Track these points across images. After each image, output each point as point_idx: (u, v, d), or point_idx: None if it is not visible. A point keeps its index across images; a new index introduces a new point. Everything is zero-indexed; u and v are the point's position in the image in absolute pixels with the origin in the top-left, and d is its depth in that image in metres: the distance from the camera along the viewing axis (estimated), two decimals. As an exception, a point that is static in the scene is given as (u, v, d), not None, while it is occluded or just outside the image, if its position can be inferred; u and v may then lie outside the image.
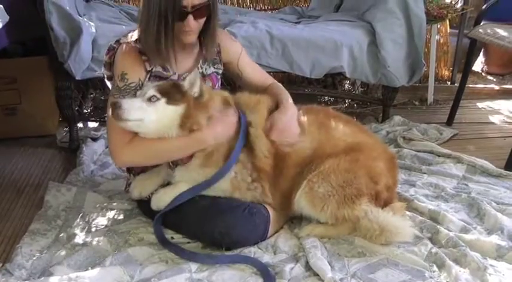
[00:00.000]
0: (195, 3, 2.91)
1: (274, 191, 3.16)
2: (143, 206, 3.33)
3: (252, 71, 3.50)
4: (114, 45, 3.14)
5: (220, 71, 3.42)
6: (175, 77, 3.16)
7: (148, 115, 2.92)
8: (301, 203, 3.13)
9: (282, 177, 3.15)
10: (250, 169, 3.11)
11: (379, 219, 3.01)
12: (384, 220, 3.02)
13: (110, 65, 3.16)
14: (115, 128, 3.01)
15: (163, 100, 2.92)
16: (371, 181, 3.15)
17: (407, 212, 3.37)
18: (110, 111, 2.92)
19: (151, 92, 2.94)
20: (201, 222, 3.04)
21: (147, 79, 3.08)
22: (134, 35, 3.12)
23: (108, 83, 3.24)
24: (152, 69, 3.10)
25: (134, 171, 3.35)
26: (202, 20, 3.04)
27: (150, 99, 2.92)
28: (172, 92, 2.94)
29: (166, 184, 3.21)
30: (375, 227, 3.00)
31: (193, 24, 2.98)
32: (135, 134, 3.01)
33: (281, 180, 3.15)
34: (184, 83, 2.96)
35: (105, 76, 3.25)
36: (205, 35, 3.15)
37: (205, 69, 3.30)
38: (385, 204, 3.22)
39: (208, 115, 3.00)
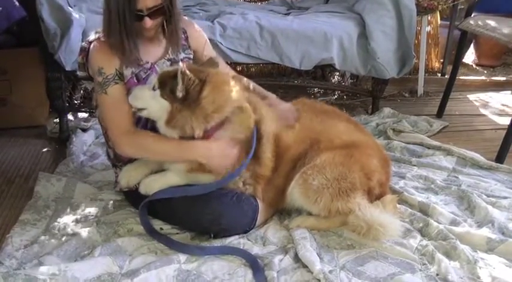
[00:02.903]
0: (149, 7, 2.96)
1: (267, 188, 3.18)
2: (131, 197, 3.35)
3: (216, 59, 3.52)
4: (85, 46, 3.18)
5: (192, 56, 3.41)
6: (148, 66, 3.17)
7: (149, 105, 2.99)
8: (295, 195, 3.14)
9: (277, 174, 3.17)
10: (245, 176, 3.13)
11: (365, 217, 3.00)
12: (370, 218, 2.99)
13: (83, 66, 3.22)
14: (111, 118, 3.10)
15: (158, 91, 2.95)
16: (365, 177, 3.16)
17: (397, 205, 3.38)
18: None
19: (154, 79, 3.00)
20: (190, 209, 3.06)
21: (124, 67, 3.09)
22: (100, 32, 3.15)
23: (85, 82, 3.29)
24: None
25: (122, 162, 3.34)
26: (160, 18, 3.08)
27: (153, 88, 2.97)
28: (168, 84, 2.93)
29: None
30: (362, 224, 2.99)
31: (151, 24, 3.02)
32: (132, 123, 3.09)
33: (275, 177, 3.17)
34: (178, 79, 2.89)
35: (79, 76, 3.28)
36: (168, 32, 3.19)
37: (176, 55, 3.31)
38: (376, 198, 3.22)
39: (205, 126, 2.98)
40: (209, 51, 3.50)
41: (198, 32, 3.49)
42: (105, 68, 3.05)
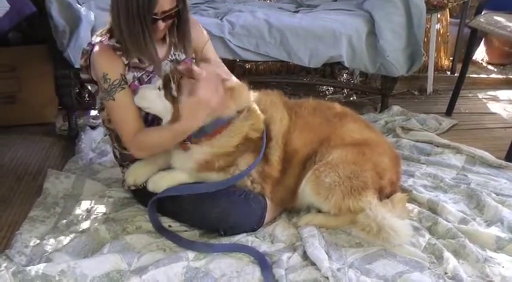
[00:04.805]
0: (165, 10, 2.96)
1: (276, 188, 3.18)
2: (139, 195, 3.36)
3: (215, 61, 3.46)
4: (87, 48, 3.15)
5: (194, 55, 3.38)
6: (150, 68, 3.16)
7: (154, 105, 3.00)
8: (306, 191, 3.14)
9: (286, 176, 3.17)
10: (253, 175, 3.12)
11: (376, 218, 2.96)
12: (381, 220, 2.96)
13: (86, 68, 3.19)
14: (121, 123, 3.09)
15: (162, 92, 2.95)
16: (377, 175, 3.15)
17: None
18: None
19: (160, 80, 3.00)
20: (198, 207, 3.07)
21: (126, 71, 3.08)
22: (104, 34, 3.13)
23: (88, 86, 3.29)
24: (129, 61, 3.10)
25: (128, 161, 3.34)
26: (172, 20, 3.08)
27: (159, 88, 2.96)
28: (170, 85, 2.92)
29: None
30: (372, 225, 2.96)
31: (164, 27, 3.04)
32: (142, 126, 3.08)
33: (284, 178, 3.17)
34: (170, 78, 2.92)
35: (82, 79, 3.28)
36: (179, 33, 3.19)
37: (178, 56, 3.30)
38: (386, 197, 3.22)
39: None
40: (209, 52, 3.45)
41: (201, 32, 3.45)
42: (110, 74, 3.02)
